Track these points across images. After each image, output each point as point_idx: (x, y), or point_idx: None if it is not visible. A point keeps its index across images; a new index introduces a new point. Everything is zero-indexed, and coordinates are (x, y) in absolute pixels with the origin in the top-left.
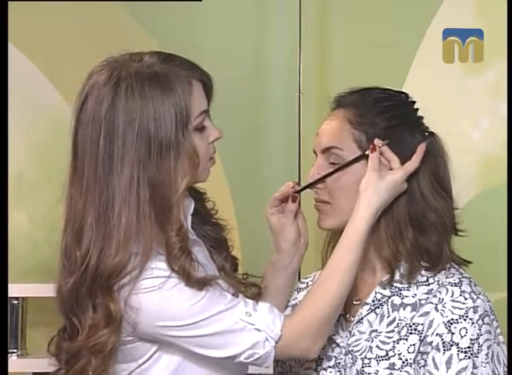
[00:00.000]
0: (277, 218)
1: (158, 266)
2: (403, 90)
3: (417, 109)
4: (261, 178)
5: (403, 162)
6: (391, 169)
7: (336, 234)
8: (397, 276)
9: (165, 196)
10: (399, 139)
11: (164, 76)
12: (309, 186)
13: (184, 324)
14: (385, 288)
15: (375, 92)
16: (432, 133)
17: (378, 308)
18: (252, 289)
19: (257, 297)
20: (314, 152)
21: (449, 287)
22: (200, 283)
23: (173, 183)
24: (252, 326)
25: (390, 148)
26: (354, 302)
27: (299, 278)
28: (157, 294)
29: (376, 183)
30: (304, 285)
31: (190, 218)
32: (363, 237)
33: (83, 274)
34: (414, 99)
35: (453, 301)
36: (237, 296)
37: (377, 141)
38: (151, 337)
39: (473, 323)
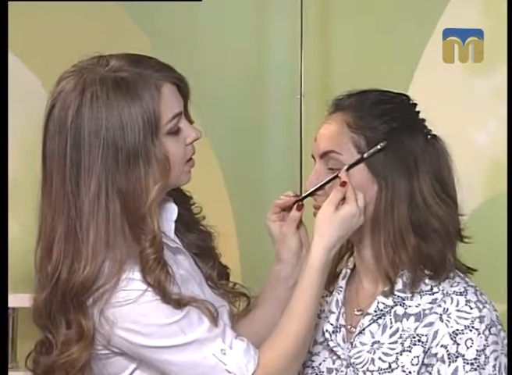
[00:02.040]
0: (278, 226)
1: (135, 278)
2: (409, 93)
3: (419, 112)
4: (261, 185)
5: (405, 169)
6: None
7: None
8: (400, 285)
9: (137, 206)
10: (399, 143)
11: (130, 81)
12: (312, 193)
13: (156, 346)
14: (387, 298)
15: (375, 94)
16: (435, 137)
17: (381, 318)
18: (241, 299)
19: (245, 308)
20: (313, 157)
21: (454, 296)
22: (178, 302)
23: (144, 193)
24: (223, 367)
25: (390, 152)
26: (356, 313)
27: None
28: (132, 308)
29: (332, 216)
30: None
31: (173, 225)
32: (319, 275)
33: (53, 289)
34: (415, 101)
35: (458, 310)
36: (217, 323)
37: (344, 176)
38: (127, 352)
39: (479, 333)
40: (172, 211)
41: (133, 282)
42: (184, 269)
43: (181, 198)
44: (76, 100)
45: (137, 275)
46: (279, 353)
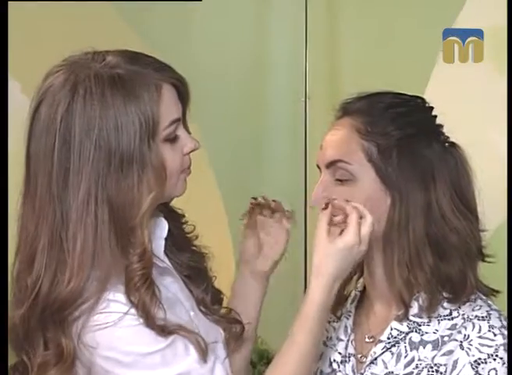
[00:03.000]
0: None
1: (116, 299)
2: (425, 95)
3: (435, 116)
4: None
5: (421, 179)
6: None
7: None
8: (415, 309)
9: (127, 216)
10: (415, 151)
11: (128, 79)
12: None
13: None
14: (401, 323)
15: (387, 97)
16: (453, 144)
17: (394, 346)
18: (236, 328)
19: (239, 337)
20: (319, 167)
21: (475, 321)
22: (162, 328)
23: (136, 202)
24: None
25: (405, 161)
26: (367, 340)
27: None
28: (111, 332)
29: (327, 248)
30: None
31: (163, 242)
32: (319, 313)
33: (33, 304)
34: (432, 105)
35: (480, 337)
36: (206, 358)
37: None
38: None
39: (504, 362)
40: (162, 227)
41: (113, 304)
42: (172, 292)
43: (172, 216)
44: (67, 96)
45: (119, 296)
46: None
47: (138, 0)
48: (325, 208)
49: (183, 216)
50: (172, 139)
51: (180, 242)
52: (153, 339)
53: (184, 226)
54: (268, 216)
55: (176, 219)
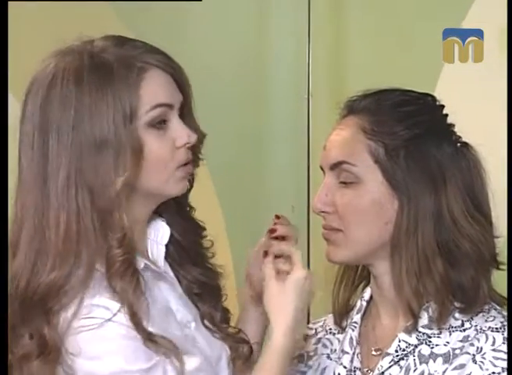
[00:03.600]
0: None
1: (99, 304)
2: (435, 93)
3: (446, 115)
4: (262, 200)
5: (431, 182)
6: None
7: (349, 270)
8: (425, 320)
9: (106, 200)
10: (424, 152)
11: (110, 61)
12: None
13: None
14: (410, 335)
15: (395, 95)
16: (465, 145)
17: (403, 359)
18: (243, 348)
19: (248, 358)
20: (322, 169)
21: (489, 333)
22: (149, 338)
23: (112, 185)
24: None
25: (413, 163)
26: (373, 353)
27: (308, 322)
28: (92, 338)
29: (279, 293)
30: (312, 332)
31: (163, 249)
32: (283, 359)
33: (15, 295)
34: (443, 103)
35: (494, 350)
36: None
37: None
38: None
39: None
40: (163, 233)
41: (98, 308)
42: (165, 299)
43: (192, 228)
44: (46, 81)
45: (103, 301)
46: None
47: (136, 0)
48: (265, 256)
49: (204, 229)
50: (159, 126)
51: (194, 257)
52: (134, 357)
53: (203, 240)
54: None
55: (195, 232)
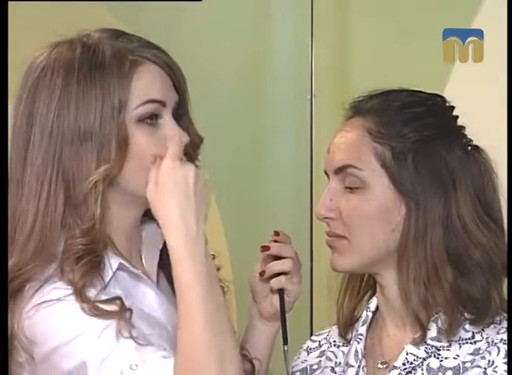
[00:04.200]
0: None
1: (56, 286)
2: (445, 93)
3: (457, 117)
4: (263, 205)
5: (440, 187)
6: None
7: (354, 279)
8: (434, 332)
9: (82, 190)
10: (433, 155)
11: (103, 51)
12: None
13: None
14: (418, 347)
15: (402, 95)
16: (476, 148)
17: (410, 373)
18: (245, 365)
19: None
20: (326, 173)
21: (501, 345)
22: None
23: (92, 176)
24: None
25: (422, 166)
26: (380, 366)
27: (310, 334)
28: (43, 314)
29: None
30: (316, 344)
31: (157, 253)
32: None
33: None
34: (453, 104)
35: (506, 363)
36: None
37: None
38: None
39: None
40: (158, 237)
41: (51, 291)
42: (144, 302)
43: None
44: (37, 71)
45: (59, 284)
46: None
47: (135, 0)
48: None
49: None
50: (149, 122)
51: None
52: (84, 322)
53: None
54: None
55: None
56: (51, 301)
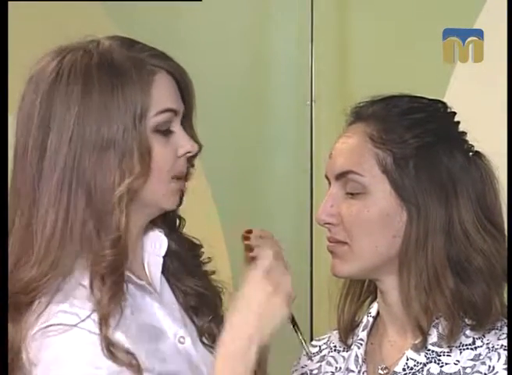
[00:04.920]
0: None
1: (69, 310)
2: (446, 99)
3: (458, 122)
4: (263, 210)
5: (442, 193)
6: None
7: (355, 284)
8: (434, 338)
9: (105, 200)
10: (434, 161)
11: (119, 62)
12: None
13: None
14: (419, 353)
15: (404, 101)
16: (478, 154)
17: None
18: None
19: None
20: (327, 178)
21: (501, 351)
22: (113, 347)
23: (115, 186)
24: None
25: (423, 172)
26: (380, 371)
27: (311, 340)
28: (54, 342)
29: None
30: (316, 349)
31: (160, 260)
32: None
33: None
34: (454, 109)
35: (506, 370)
36: None
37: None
38: None
39: None
40: (161, 244)
41: (62, 315)
42: (150, 314)
43: (185, 244)
44: (51, 75)
45: (74, 309)
46: None
47: (133, 0)
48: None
49: (201, 246)
50: (165, 131)
51: (191, 267)
52: (94, 361)
53: (197, 252)
54: None
55: (190, 247)
56: (59, 325)
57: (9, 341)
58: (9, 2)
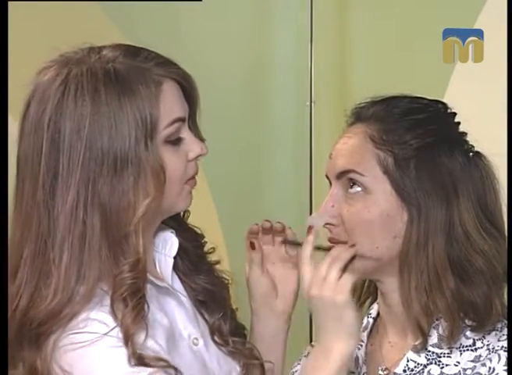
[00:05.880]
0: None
1: (97, 318)
2: (446, 100)
3: (458, 123)
4: (262, 211)
5: (442, 194)
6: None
7: (354, 285)
8: (435, 339)
9: (121, 223)
10: (435, 162)
11: (125, 74)
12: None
13: None
14: (419, 354)
15: (404, 102)
16: (478, 154)
17: None
18: (254, 365)
19: None
20: (328, 178)
21: (502, 352)
22: (139, 357)
23: (131, 207)
24: None
25: (424, 173)
26: (380, 372)
27: (310, 341)
28: (85, 353)
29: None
30: None
31: (171, 261)
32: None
33: (12, 318)
34: (454, 110)
35: (506, 371)
36: None
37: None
38: None
39: None
40: (170, 244)
41: (92, 323)
42: (170, 317)
43: (189, 235)
44: (57, 93)
45: (101, 315)
46: None
47: (133, 0)
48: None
49: (203, 236)
50: (175, 141)
51: (197, 263)
52: (126, 365)
53: (203, 245)
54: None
55: (193, 238)
56: (94, 333)
57: (37, 371)
58: (9, 2)
